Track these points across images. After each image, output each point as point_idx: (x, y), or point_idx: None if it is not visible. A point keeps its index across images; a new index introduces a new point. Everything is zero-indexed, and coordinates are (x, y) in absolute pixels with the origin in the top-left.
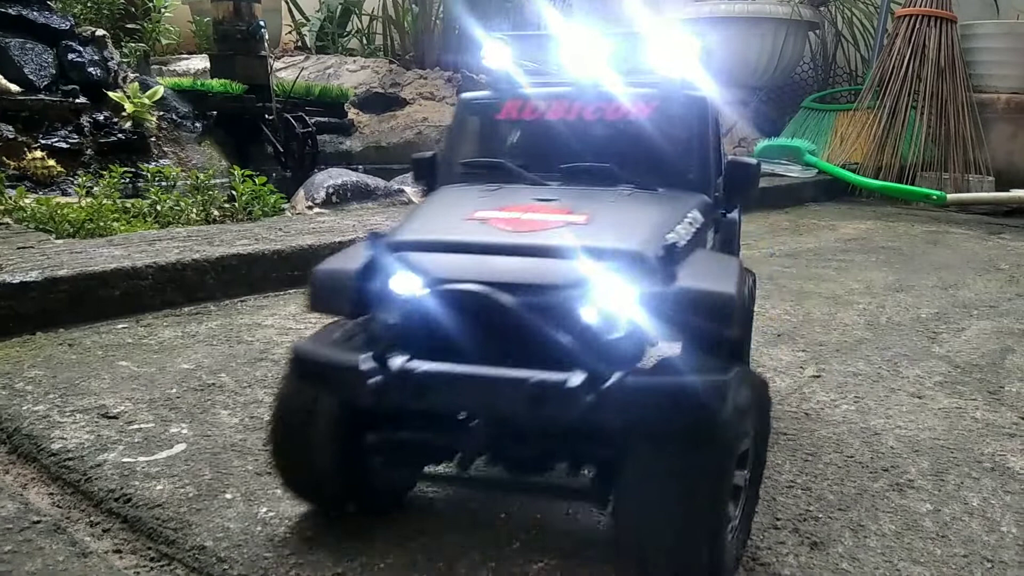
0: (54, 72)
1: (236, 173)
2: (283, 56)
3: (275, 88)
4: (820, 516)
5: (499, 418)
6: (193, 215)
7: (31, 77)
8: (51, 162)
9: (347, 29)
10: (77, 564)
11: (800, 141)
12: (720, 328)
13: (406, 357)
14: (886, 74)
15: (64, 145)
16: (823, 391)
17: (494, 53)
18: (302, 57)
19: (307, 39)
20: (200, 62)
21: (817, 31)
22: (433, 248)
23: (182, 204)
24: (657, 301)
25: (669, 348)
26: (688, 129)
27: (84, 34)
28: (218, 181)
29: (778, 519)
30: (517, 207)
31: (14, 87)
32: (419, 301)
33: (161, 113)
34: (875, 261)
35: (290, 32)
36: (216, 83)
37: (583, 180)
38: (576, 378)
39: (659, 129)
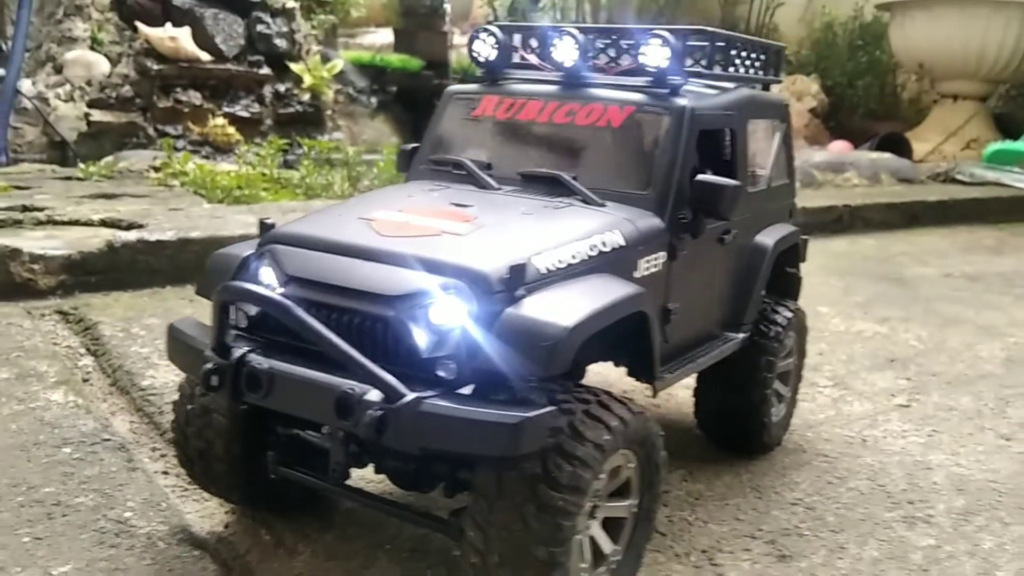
0: (242, 43)
1: (385, 149)
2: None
3: (455, 65)
4: (806, 533)
5: (337, 426)
6: (344, 188)
7: (221, 47)
8: (231, 129)
9: (540, 3)
10: (124, 475)
11: None
12: (533, 363)
13: (245, 350)
14: None
15: (245, 114)
16: (899, 421)
17: (480, 45)
18: None
19: (499, 12)
20: (385, 36)
21: None
22: (303, 243)
23: (330, 177)
24: (485, 324)
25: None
26: (654, 143)
27: (275, 5)
28: (374, 157)
29: (759, 530)
30: (421, 210)
31: (205, 56)
32: (268, 297)
33: (339, 87)
34: None
35: (482, 6)
36: (395, 59)
37: (538, 187)
38: (373, 393)
39: (628, 140)
